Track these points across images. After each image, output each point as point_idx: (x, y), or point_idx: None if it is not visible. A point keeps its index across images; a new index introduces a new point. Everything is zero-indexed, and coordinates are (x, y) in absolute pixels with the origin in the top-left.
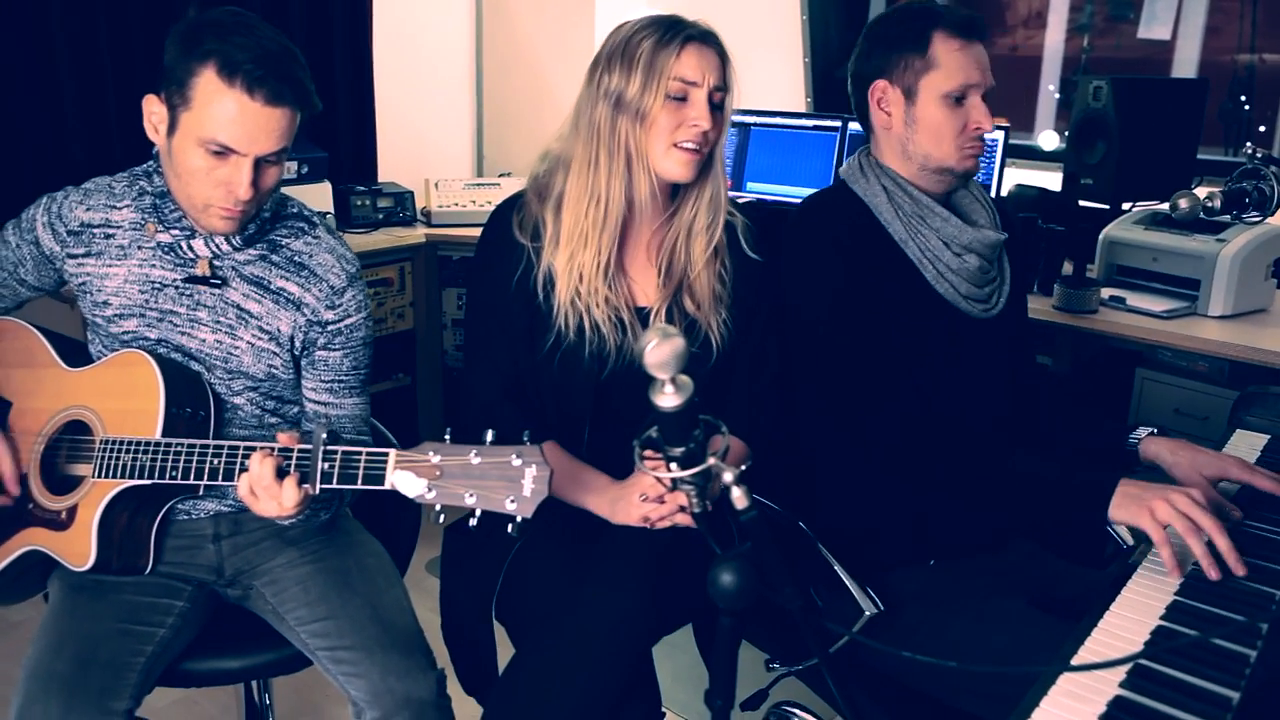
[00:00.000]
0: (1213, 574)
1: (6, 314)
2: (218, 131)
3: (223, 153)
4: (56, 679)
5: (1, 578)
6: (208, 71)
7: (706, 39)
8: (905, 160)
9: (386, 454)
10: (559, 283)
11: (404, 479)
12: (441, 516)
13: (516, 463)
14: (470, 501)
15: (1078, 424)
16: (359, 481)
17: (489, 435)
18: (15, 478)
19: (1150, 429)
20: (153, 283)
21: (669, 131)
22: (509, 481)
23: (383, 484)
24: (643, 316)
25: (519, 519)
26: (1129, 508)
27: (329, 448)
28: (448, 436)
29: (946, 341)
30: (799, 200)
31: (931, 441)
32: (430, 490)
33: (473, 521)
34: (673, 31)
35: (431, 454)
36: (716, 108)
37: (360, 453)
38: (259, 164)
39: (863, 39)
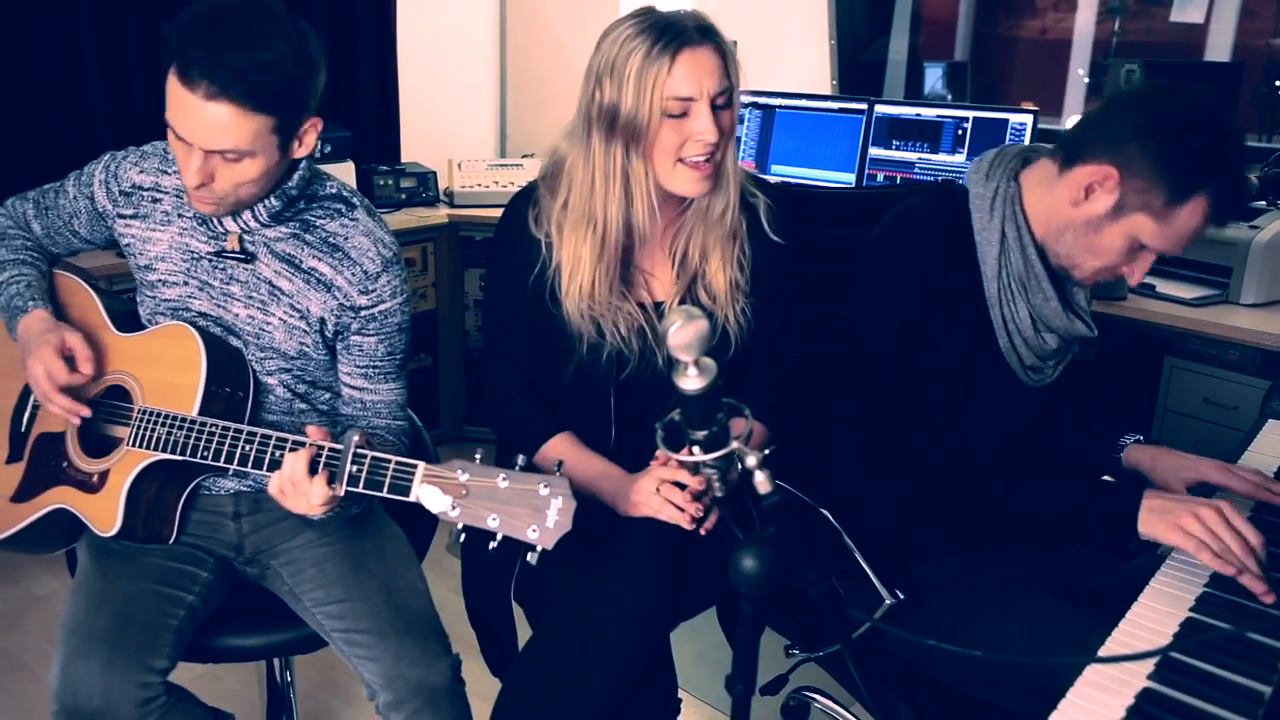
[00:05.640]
0: (1258, 589)
1: (58, 260)
2: (171, 115)
3: (180, 139)
4: (97, 635)
5: (25, 533)
6: (172, 60)
7: (703, 38)
8: (1048, 231)
9: (415, 466)
10: (568, 299)
11: (429, 494)
12: (463, 535)
13: (544, 492)
14: (493, 524)
15: (1083, 429)
16: (385, 489)
17: (520, 460)
18: (91, 358)
19: (1136, 436)
20: (192, 253)
21: (673, 149)
22: (534, 510)
23: (408, 495)
24: (660, 313)
25: (539, 549)
26: (1156, 525)
27: (359, 451)
28: (479, 456)
29: (994, 400)
30: (822, 184)
31: (962, 469)
32: (454, 508)
33: (493, 545)
34: (663, 41)
35: (460, 472)
36: (723, 106)
37: (389, 461)
38: (219, 158)
39: (1149, 112)
